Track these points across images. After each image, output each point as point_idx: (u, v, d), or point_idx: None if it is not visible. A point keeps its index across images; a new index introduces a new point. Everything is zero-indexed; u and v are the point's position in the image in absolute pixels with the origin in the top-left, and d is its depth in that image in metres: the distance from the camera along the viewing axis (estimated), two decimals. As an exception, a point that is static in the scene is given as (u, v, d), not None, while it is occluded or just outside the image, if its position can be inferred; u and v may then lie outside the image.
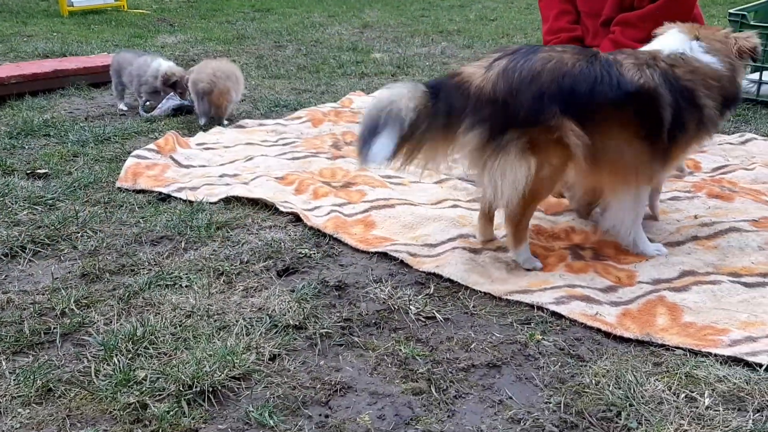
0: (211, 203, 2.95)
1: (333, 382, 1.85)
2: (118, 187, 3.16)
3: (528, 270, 2.48)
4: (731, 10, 4.76)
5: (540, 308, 2.25)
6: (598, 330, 2.15)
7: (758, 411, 1.73)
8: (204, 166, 3.45)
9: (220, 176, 3.25)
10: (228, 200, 2.97)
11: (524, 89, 2.20)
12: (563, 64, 2.26)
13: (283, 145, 3.77)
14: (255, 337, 2.00)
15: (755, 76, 4.68)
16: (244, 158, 3.53)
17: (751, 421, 1.69)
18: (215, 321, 2.08)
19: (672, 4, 3.48)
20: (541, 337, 2.10)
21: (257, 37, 7.27)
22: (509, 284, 2.40)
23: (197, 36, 7.33)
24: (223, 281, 2.34)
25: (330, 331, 2.07)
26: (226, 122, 4.16)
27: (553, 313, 2.23)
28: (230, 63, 4.29)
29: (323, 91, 5.07)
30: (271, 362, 1.92)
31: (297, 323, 2.08)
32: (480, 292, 2.35)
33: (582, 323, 2.18)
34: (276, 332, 2.04)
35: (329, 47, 6.72)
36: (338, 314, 2.16)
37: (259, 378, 1.85)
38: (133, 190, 3.13)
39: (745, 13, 4.63)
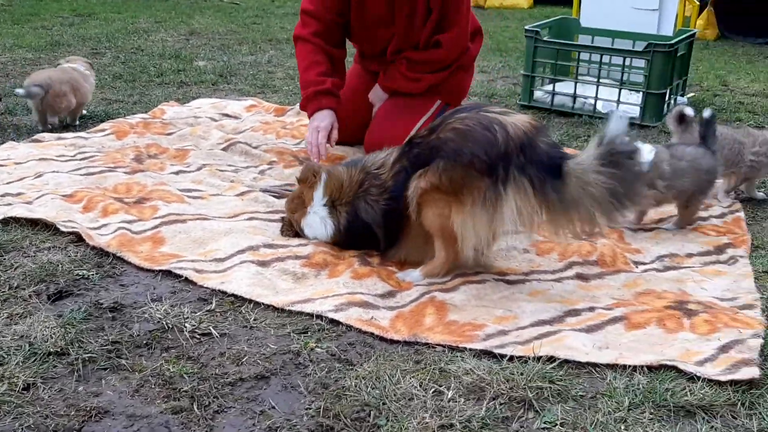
0: (-14, 225, 2.78)
1: (89, 408, 1.82)
2: None
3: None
4: (527, 27, 5.18)
5: (319, 316, 2.34)
6: (372, 334, 2.27)
7: (494, 399, 1.92)
8: (-11, 185, 3.23)
9: (2, 195, 3.06)
10: (6, 221, 2.81)
11: None
12: None
13: (81, 159, 3.62)
14: (10, 367, 1.92)
15: (550, 87, 5.13)
16: (33, 175, 3.35)
17: (484, 409, 1.87)
18: (-34, 354, 1.98)
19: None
20: (315, 345, 2.18)
21: (73, 44, 6.89)
22: (293, 295, 2.47)
23: (5, 43, 6.82)
24: (-14, 309, 2.22)
25: (95, 355, 2.03)
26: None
27: (332, 321, 2.32)
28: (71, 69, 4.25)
29: (136, 101, 4.91)
30: (24, 392, 1.85)
31: (59, 349, 2.02)
32: (263, 304, 2.40)
33: (358, 329, 2.30)
34: (34, 360, 1.97)
35: (150, 55, 6.51)
36: (106, 337, 2.12)
37: (8, 409, 1.78)
38: None
39: (539, 30, 5.07)
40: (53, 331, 2.10)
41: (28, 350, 2.01)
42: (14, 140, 3.93)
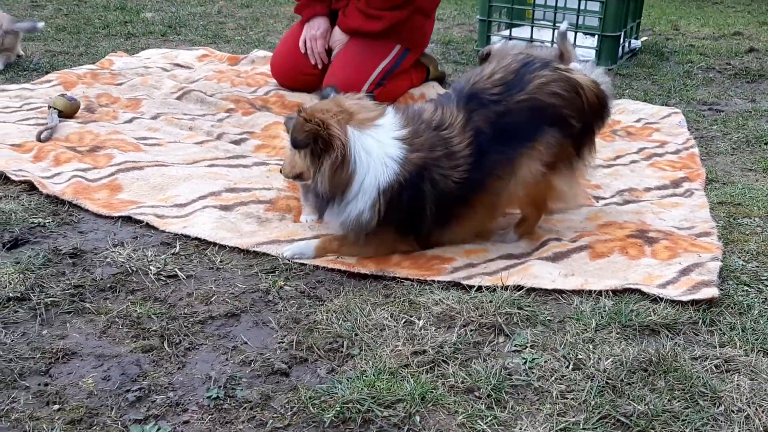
0: (-72, 178, 2.65)
1: (55, 350, 1.77)
2: None
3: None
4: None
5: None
6: (339, 271, 2.26)
7: (464, 326, 1.94)
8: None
9: (-56, 147, 2.93)
10: (-49, 173, 2.69)
11: None
12: None
13: (29, 110, 3.47)
14: (-33, 313, 1.86)
15: (506, 32, 5.11)
16: (-23, 127, 3.20)
17: (455, 335, 1.89)
18: None
19: None
20: (284, 283, 2.17)
21: (11, -3, 6.56)
22: (258, 236, 2.44)
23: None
24: (-64, 260, 2.13)
25: (57, 299, 1.98)
26: None
27: (299, 260, 2.30)
28: None
29: (81, 53, 4.72)
30: (-16, 338, 1.80)
31: (18, 294, 1.96)
32: (228, 246, 2.36)
33: (324, 267, 2.28)
34: (-7, 306, 1.91)
35: (94, 7, 6.25)
36: (68, 282, 2.06)
37: (-32, 356, 1.73)
38: None
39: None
40: (11, 277, 2.03)
41: (-15, 297, 1.94)
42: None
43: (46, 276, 2.08)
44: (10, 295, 1.96)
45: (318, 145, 2.16)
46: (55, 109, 3.26)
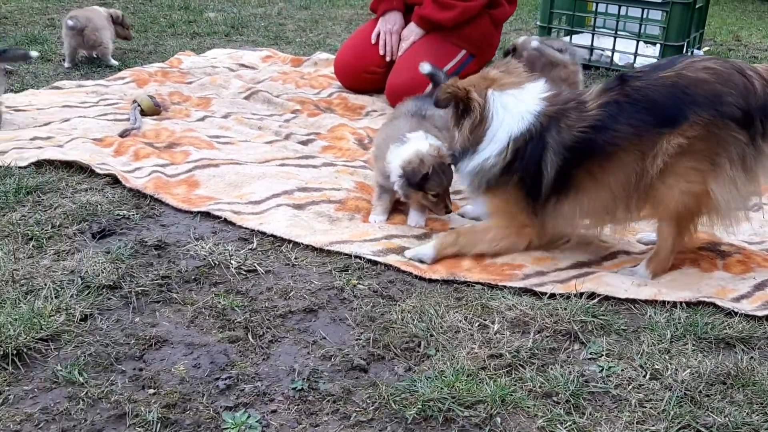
0: (20, 167, 2.79)
1: (148, 337, 1.86)
2: None
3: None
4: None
5: (358, 256, 2.37)
6: (410, 273, 2.31)
7: (539, 332, 1.97)
8: (15, 130, 3.23)
9: (32, 139, 3.07)
10: (40, 164, 2.82)
11: None
12: None
13: (105, 106, 3.61)
14: (65, 299, 1.96)
15: (566, 39, 5.09)
16: (59, 120, 3.35)
17: (531, 341, 1.92)
18: (21, 286, 2.01)
19: None
20: (357, 282, 2.23)
21: (80, -6, 6.79)
22: (331, 235, 2.50)
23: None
24: (33, 246, 2.24)
25: (146, 288, 2.07)
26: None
27: (370, 261, 2.36)
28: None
29: (151, 51, 4.88)
30: (82, 322, 1.90)
31: (111, 283, 2.06)
32: (302, 244, 2.43)
33: (396, 268, 2.33)
34: (88, 293, 2.01)
35: (159, 6, 6.44)
36: (156, 272, 2.16)
37: (69, 338, 1.83)
38: (-70, 157, 2.87)
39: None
40: (103, 266, 2.13)
41: (81, 284, 2.04)
42: (33, 87, 3.92)
43: (135, 266, 2.18)
44: (104, 282, 2.06)
45: (459, 108, 2.35)
46: (139, 105, 3.38)
